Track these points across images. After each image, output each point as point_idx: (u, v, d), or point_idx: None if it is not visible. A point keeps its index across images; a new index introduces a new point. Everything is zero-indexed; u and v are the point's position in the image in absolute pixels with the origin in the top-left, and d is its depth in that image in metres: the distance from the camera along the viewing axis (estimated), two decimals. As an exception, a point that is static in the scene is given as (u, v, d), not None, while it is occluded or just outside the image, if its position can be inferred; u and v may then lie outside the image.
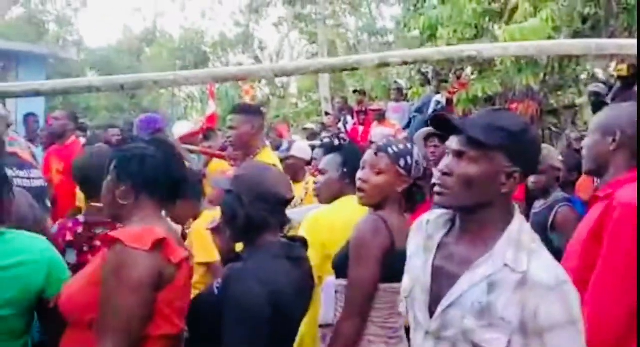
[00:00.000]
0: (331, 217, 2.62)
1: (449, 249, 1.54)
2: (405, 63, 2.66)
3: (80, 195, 3.23)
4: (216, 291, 1.87)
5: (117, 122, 10.79)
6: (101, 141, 5.15)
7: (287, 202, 2.02)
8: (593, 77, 8.31)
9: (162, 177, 1.88)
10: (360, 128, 9.20)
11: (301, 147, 4.74)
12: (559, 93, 8.28)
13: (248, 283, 1.81)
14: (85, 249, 2.42)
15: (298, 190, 4.11)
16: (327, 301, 2.30)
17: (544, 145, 4.11)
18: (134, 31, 22.26)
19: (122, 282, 1.66)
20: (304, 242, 2.07)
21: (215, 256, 2.81)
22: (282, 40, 22.77)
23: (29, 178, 3.42)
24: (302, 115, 19.10)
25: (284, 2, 18.86)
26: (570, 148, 5.02)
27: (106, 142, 4.46)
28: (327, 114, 11.52)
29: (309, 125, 10.36)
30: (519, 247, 1.44)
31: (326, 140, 6.51)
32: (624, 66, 6.25)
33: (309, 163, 4.80)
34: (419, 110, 8.82)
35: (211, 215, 2.98)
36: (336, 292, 2.25)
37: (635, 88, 5.72)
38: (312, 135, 9.20)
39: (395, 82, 9.67)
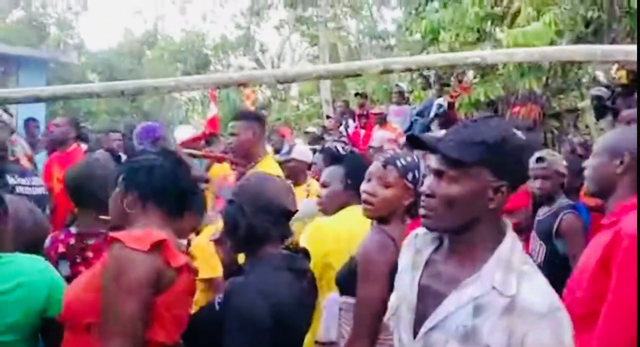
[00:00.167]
0: (335, 227, 2.58)
1: (436, 266, 1.47)
2: (409, 70, 2.63)
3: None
4: (217, 307, 1.85)
5: (118, 126, 10.78)
6: (102, 146, 5.12)
7: (290, 214, 2.00)
8: (595, 81, 8.28)
9: (170, 188, 1.88)
10: (362, 132, 9.19)
11: (302, 150, 4.72)
12: (561, 96, 8.24)
13: (249, 296, 1.79)
14: (78, 260, 2.37)
15: (299, 193, 4.09)
16: (330, 318, 2.25)
17: (548, 151, 4.09)
18: (134, 34, 22.26)
19: (120, 282, 1.66)
20: (306, 254, 2.05)
21: (217, 272, 2.77)
22: (283, 43, 22.78)
23: (30, 186, 3.41)
24: (303, 118, 19.09)
25: (285, 4, 18.84)
26: (574, 153, 4.99)
27: (107, 149, 4.43)
28: (328, 117, 11.50)
29: (311, 129, 10.32)
30: (508, 268, 1.36)
31: (329, 144, 6.50)
32: (623, 73, 6.23)
33: (309, 166, 4.78)
34: (421, 113, 8.81)
35: (213, 230, 2.95)
36: (340, 309, 2.21)
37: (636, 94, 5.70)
38: (313, 139, 9.18)
39: (397, 85, 9.64)
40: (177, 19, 34.89)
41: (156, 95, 9.50)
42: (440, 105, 8.06)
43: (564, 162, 3.94)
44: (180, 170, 1.94)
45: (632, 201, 1.98)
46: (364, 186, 2.22)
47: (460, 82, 7.56)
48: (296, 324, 1.93)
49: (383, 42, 16.57)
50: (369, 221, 2.30)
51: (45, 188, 3.70)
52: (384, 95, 11.32)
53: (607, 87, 6.91)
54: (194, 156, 5.13)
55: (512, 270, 1.35)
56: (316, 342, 2.29)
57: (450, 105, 7.66)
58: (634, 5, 6.26)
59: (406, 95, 9.64)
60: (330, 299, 2.28)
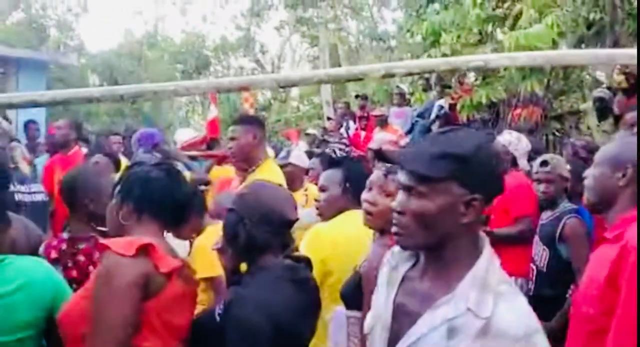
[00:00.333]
0: (333, 233, 2.55)
1: (412, 284, 1.42)
2: (411, 74, 2.61)
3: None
4: (218, 318, 1.83)
5: (118, 128, 10.76)
6: (103, 149, 5.08)
7: (291, 223, 1.97)
8: (597, 82, 8.25)
9: (165, 200, 1.88)
10: (362, 133, 9.17)
11: (300, 155, 4.70)
12: (562, 98, 8.22)
13: (249, 308, 1.78)
14: (69, 264, 2.38)
15: (297, 197, 4.06)
16: (337, 332, 2.23)
17: (552, 155, 4.06)
18: (135, 35, 22.24)
19: (107, 287, 1.66)
20: (308, 263, 2.02)
21: (217, 271, 2.76)
22: (284, 44, 22.76)
23: (29, 192, 3.39)
24: (303, 119, 19.07)
25: (286, 5, 18.82)
26: (576, 156, 4.94)
27: (106, 154, 4.39)
28: (329, 118, 11.48)
29: (312, 131, 10.29)
30: (484, 288, 1.30)
31: (329, 149, 6.49)
32: (622, 78, 6.20)
33: (307, 171, 4.77)
34: (421, 115, 8.78)
35: (214, 230, 2.93)
36: (347, 323, 2.18)
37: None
38: (314, 141, 9.16)
39: (398, 87, 9.61)
40: (177, 20, 34.83)
41: (156, 99, 9.48)
42: (441, 107, 8.03)
43: (568, 166, 3.92)
44: (176, 182, 1.94)
45: (633, 214, 1.94)
46: (364, 195, 2.20)
47: (461, 84, 7.54)
48: (298, 335, 1.90)
49: (384, 44, 16.53)
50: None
51: (46, 193, 3.69)
52: (385, 96, 11.29)
53: (608, 88, 6.88)
54: (195, 158, 5.12)
55: (488, 290, 1.30)
56: None
57: (452, 107, 7.64)
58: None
59: (407, 96, 9.61)
60: (336, 313, 2.25)
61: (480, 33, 6.99)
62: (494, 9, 6.86)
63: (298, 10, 18.59)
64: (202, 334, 1.89)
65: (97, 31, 37.32)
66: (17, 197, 3.14)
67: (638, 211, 1.92)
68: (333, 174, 2.73)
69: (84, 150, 6.09)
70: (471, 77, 7.41)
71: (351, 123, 9.55)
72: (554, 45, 6.00)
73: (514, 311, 1.27)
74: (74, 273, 2.33)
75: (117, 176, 2.10)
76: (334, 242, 2.47)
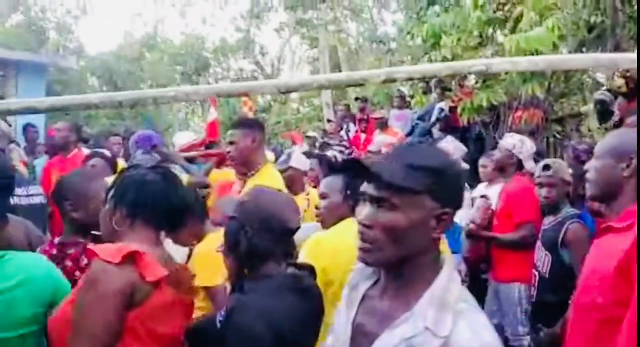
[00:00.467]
0: (333, 241, 2.50)
1: (372, 303, 1.37)
2: (412, 79, 2.59)
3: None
4: (219, 325, 1.82)
5: (118, 130, 10.72)
6: (102, 151, 5.04)
7: (293, 232, 1.95)
8: (597, 84, 8.23)
9: (160, 205, 1.84)
10: (363, 136, 9.15)
11: (300, 159, 4.68)
12: (563, 101, 8.19)
13: (250, 316, 1.76)
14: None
15: (299, 201, 4.03)
16: None
17: (554, 160, 4.03)
18: (134, 37, 22.23)
19: (92, 294, 1.63)
20: (312, 271, 1.99)
21: (217, 281, 2.74)
22: (284, 46, 22.76)
23: (27, 195, 3.36)
24: (303, 121, 19.06)
25: (286, 7, 18.81)
26: (578, 160, 4.92)
27: (103, 157, 4.36)
28: (329, 121, 11.47)
29: (312, 134, 10.28)
30: (443, 307, 1.26)
31: (330, 153, 6.47)
32: (622, 82, 6.18)
33: (306, 173, 4.74)
34: (422, 118, 8.76)
35: (215, 238, 2.90)
36: None
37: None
38: (315, 144, 9.14)
39: (398, 90, 9.59)
40: (177, 22, 34.88)
41: (155, 105, 9.44)
42: (442, 110, 8.00)
43: (570, 170, 3.90)
44: (172, 186, 1.89)
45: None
46: None
47: (462, 87, 7.50)
48: (300, 343, 1.88)
49: (384, 46, 16.52)
50: None
51: (45, 195, 3.66)
52: (385, 99, 11.28)
53: (609, 91, 6.86)
54: (194, 160, 5.08)
55: (447, 309, 1.25)
56: None
57: (453, 109, 7.61)
58: (638, 10, 6.22)
59: (407, 99, 9.59)
60: None
61: (481, 36, 6.96)
62: (494, 12, 6.82)
63: (298, 12, 18.58)
64: (203, 340, 1.88)
65: (96, 33, 37.31)
66: (15, 200, 3.10)
67: (638, 206, 1.89)
68: (334, 181, 2.68)
69: (85, 151, 6.09)
70: (472, 80, 7.38)
71: (352, 126, 9.54)
72: (555, 48, 5.97)
73: (474, 330, 1.23)
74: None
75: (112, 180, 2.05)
76: (335, 251, 2.42)
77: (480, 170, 5.35)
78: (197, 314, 2.83)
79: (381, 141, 7.59)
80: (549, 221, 3.66)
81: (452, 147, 4.98)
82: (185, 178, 4.39)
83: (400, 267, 1.32)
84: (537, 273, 3.63)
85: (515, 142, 4.32)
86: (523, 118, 6.97)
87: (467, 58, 6.53)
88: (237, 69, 22.87)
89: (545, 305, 3.57)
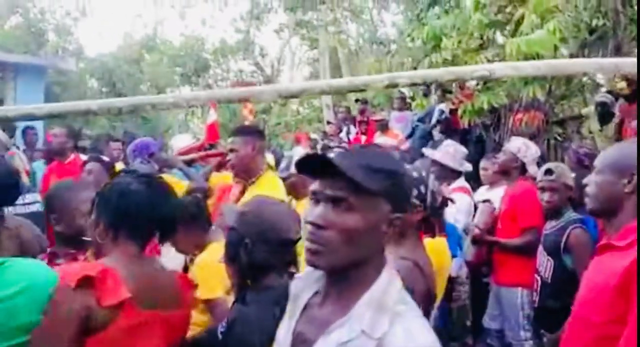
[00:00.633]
0: None
1: (313, 311, 1.32)
2: (415, 84, 2.56)
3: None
4: (220, 336, 1.80)
5: (117, 132, 10.71)
6: (100, 158, 5.01)
7: (294, 242, 1.93)
8: (597, 85, 8.21)
9: (143, 217, 1.76)
10: (363, 138, 9.13)
11: None
12: (563, 102, 8.17)
13: (251, 328, 1.76)
14: None
15: (302, 207, 4.00)
16: None
17: (557, 164, 4.01)
18: (134, 37, 22.20)
19: (47, 318, 1.58)
20: None
21: (216, 293, 2.70)
22: (283, 47, 22.74)
23: (24, 204, 3.34)
24: (303, 122, 19.04)
25: (285, 8, 18.79)
26: (579, 164, 4.89)
27: (100, 162, 4.31)
28: (328, 122, 11.44)
29: (313, 136, 10.26)
30: (380, 309, 1.22)
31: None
32: (624, 84, 6.16)
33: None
34: (422, 119, 8.74)
35: (217, 248, 2.86)
36: None
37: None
38: (315, 146, 9.11)
39: (399, 91, 9.57)
40: (176, 23, 34.86)
41: (154, 111, 9.40)
42: (442, 112, 7.99)
43: (572, 174, 3.87)
44: (156, 196, 1.80)
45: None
46: None
47: (462, 88, 7.48)
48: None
49: (384, 48, 16.50)
50: None
51: (41, 204, 3.64)
52: (385, 100, 11.25)
53: (609, 92, 6.85)
54: (193, 162, 5.05)
55: (384, 311, 1.22)
56: None
57: (453, 111, 7.59)
58: (640, 12, 6.20)
59: (408, 101, 9.57)
60: None
61: (482, 38, 6.94)
62: (495, 14, 6.81)
63: (297, 13, 18.56)
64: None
65: (96, 35, 37.30)
66: (10, 209, 3.08)
67: (638, 217, 1.88)
68: None
69: (84, 157, 6.06)
70: (472, 82, 7.36)
71: (352, 127, 9.53)
72: (556, 51, 5.96)
73: (409, 332, 1.19)
74: None
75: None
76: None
77: (481, 172, 5.32)
78: (198, 327, 2.81)
79: (383, 143, 7.61)
80: (550, 226, 3.64)
81: (453, 149, 4.95)
82: (185, 184, 4.37)
83: (345, 272, 1.27)
84: (539, 278, 3.61)
85: (520, 146, 4.30)
86: (523, 120, 6.95)
87: (468, 60, 6.53)
88: (236, 70, 22.86)
89: (548, 310, 3.55)
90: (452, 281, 4.40)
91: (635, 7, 6.32)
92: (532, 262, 3.71)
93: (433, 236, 2.22)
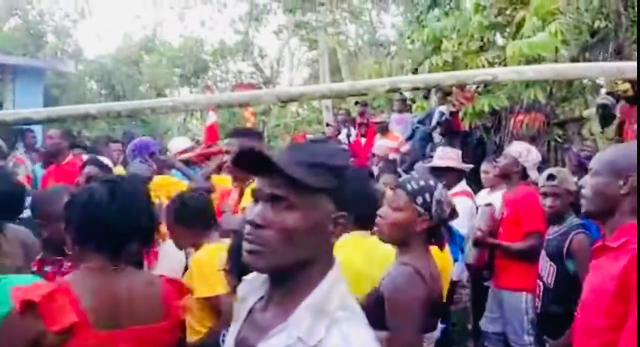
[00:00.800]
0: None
1: (256, 316, 1.28)
2: (416, 88, 2.54)
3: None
4: (222, 344, 1.77)
5: (116, 134, 10.67)
6: (99, 160, 4.97)
7: None
8: (598, 88, 8.20)
9: (108, 227, 1.67)
10: (363, 140, 9.10)
11: None
12: (564, 104, 8.16)
13: None
14: None
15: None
16: None
17: (559, 169, 3.99)
18: (133, 39, 22.17)
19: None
20: None
21: (215, 291, 2.69)
22: (282, 48, 22.72)
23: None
24: (303, 124, 19.02)
25: (284, 10, 18.77)
26: (581, 167, 4.89)
27: (98, 164, 4.27)
28: (327, 125, 11.40)
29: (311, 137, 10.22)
30: (319, 314, 1.17)
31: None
32: (628, 86, 6.15)
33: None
34: (422, 121, 8.72)
35: (211, 249, 2.84)
36: None
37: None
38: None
39: (399, 93, 9.53)
40: (175, 25, 34.86)
41: (153, 115, 9.37)
42: (442, 113, 7.96)
43: (575, 178, 3.86)
44: (122, 203, 1.70)
45: (634, 222, 1.89)
46: (379, 210, 2.20)
47: (462, 90, 7.45)
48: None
49: (384, 49, 16.49)
50: (366, 249, 2.29)
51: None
52: (385, 102, 11.21)
53: (610, 94, 6.83)
54: (192, 162, 5.03)
55: (323, 316, 1.17)
56: None
57: (454, 113, 7.57)
58: (641, 14, 6.19)
59: (408, 103, 9.54)
60: None
61: (482, 40, 6.91)
62: (496, 16, 6.79)
63: (297, 14, 18.54)
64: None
65: (95, 36, 37.28)
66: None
67: (638, 218, 1.87)
68: None
69: (84, 157, 6.03)
70: (473, 85, 7.34)
71: (352, 130, 9.50)
72: (557, 53, 5.94)
73: (346, 339, 1.15)
74: None
75: None
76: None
77: (482, 175, 5.31)
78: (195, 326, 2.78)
79: (384, 145, 7.59)
80: (553, 231, 3.62)
81: (450, 152, 4.99)
82: (186, 184, 4.36)
83: (288, 274, 1.22)
84: (541, 283, 3.58)
85: (522, 150, 4.29)
86: (524, 122, 6.93)
87: (468, 62, 6.50)
88: (235, 71, 22.83)
89: (550, 316, 3.52)
90: (453, 284, 4.39)
91: (637, 9, 6.30)
92: (536, 266, 3.69)
93: (441, 247, 2.21)
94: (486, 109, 6.48)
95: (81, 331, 1.57)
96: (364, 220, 2.50)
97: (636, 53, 6.16)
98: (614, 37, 6.58)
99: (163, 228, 2.90)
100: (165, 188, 4.18)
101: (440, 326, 2.13)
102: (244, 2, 20.66)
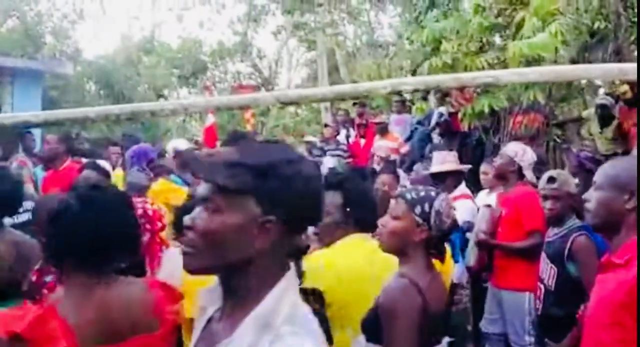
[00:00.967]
0: (333, 262, 2.37)
1: (213, 326, 1.23)
2: (418, 90, 2.53)
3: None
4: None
5: (115, 135, 10.63)
6: (97, 164, 4.94)
7: (304, 250, 1.86)
8: (597, 88, 8.20)
9: (85, 242, 1.57)
10: (362, 141, 9.09)
11: None
12: (563, 105, 8.16)
13: None
14: (37, 298, 2.23)
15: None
16: None
17: (559, 171, 3.98)
18: (131, 40, 22.15)
19: None
20: (320, 296, 1.93)
21: None
22: (281, 48, 22.72)
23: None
24: (302, 124, 19.02)
25: (283, 11, 18.77)
26: (581, 168, 4.87)
27: (96, 168, 4.24)
28: (326, 125, 11.39)
29: (311, 138, 10.21)
30: (264, 329, 1.12)
31: (325, 159, 6.41)
32: (627, 88, 6.15)
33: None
34: (421, 122, 8.71)
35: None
36: None
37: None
38: (313, 149, 9.08)
39: (399, 94, 9.51)
40: (174, 26, 34.78)
41: (153, 118, 9.33)
42: (441, 114, 7.95)
43: (576, 180, 3.84)
44: (98, 215, 1.61)
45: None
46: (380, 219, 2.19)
47: (461, 91, 7.45)
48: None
49: (382, 50, 16.49)
50: (373, 254, 2.24)
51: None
52: (384, 103, 11.20)
53: (609, 94, 6.83)
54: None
55: (268, 331, 1.12)
56: None
57: (453, 114, 7.56)
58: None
59: (407, 104, 9.53)
60: (356, 344, 2.16)
61: (482, 41, 6.90)
62: (495, 17, 6.78)
63: (295, 15, 18.53)
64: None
65: (93, 38, 37.25)
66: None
67: (638, 229, 1.86)
68: (333, 197, 2.53)
69: (83, 160, 6.00)
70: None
71: (351, 130, 9.48)
72: (557, 54, 5.94)
73: None
74: None
75: None
76: (335, 272, 2.31)
77: (482, 177, 5.30)
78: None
79: (385, 146, 7.59)
80: (553, 233, 3.60)
81: (447, 155, 5.01)
82: (185, 190, 4.34)
83: (231, 283, 1.18)
84: (542, 286, 3.57)
85: (517, 150, 4.32)
86: (523, 123, 6.93)
87: (468, 63, 6.49)
88: (234, 72, 22.82)
89: (552, 318, 3.50)
90: (453, 286, 4.38)
91: (636, 10, 6.30)
92: (538, 265, 3.68)
93: (442, 260, 2.18)
94: (486, 109, 6.47)
95: None
96: (364, 223, 2.48)
97: (636, 53, 6.17)
98: (614, 38, 6.59)
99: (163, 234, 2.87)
100: (164, 195, 4.16)
101: (446, 339, 2.08)
102: (242, 3, 20.68)
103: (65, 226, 1.58)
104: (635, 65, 2.60)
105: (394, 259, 2.16)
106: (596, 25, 6.46)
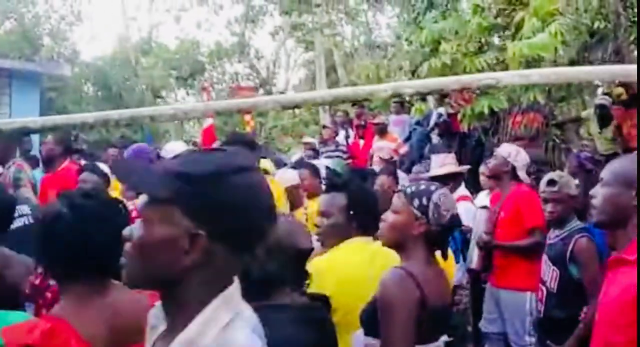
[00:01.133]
0: (338, 267, 2.36)
1: (158, 345, 1.16)
2: (420, 93, 2.51)
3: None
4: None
5: (114, 139, 10.62)
6: (96, 166, 4.89)
7: (306, 253, 1.85)
8: (596, 88, 8.20)
9: (78, 253, 1.53)
10: (361, 142, 9.07)
11: (288, 175, 4.62)
12: (562, 105, 8.16)
13: None
14: (40, 302, 2.17)
15: (298, 216, 3.96)
16: None
17: (560, 174, 3.97)
18: (129, 41, 22.11)
19: None
20: (326, 301, 1.91)
21: None
22: (279, 49, 22.70)
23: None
24: (300, 125, 19.00)
25: (280, 11, 18.75)
26: (581, 168, 4.86)
27: (95, 171, 4.19)
28: (324, 127, 11.37)
29: (310, 140, 10.18)
30: None
31: (322, 161, 6.39)
32: (622, 90, 6.16)
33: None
34: (420, 123, 8.69)
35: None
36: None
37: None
38: (312, 149, 9.05)
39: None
40: (171, 27, 34.74)
41: (152, 123, 9.29)
42: (440, 115, 7.95)
43: (576, 181, 3.83)
44: (90, 223, 1.56)
45: None
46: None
47: (460, 91, 7.43)
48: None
49: (380, 51, 16.47)
50: (375, 255, 2.25)
51: (30, 217, 3.51)
52: (383, 104, 11.18)
53: (607, 94, 6.83)
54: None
55: None
56: None
57: (452, 115, 7.55)
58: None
59: (405, 104, 9.51)
60: (356, 336, 2.15)
61: (481, 41, 6.89)
62: (495, 18, 6.77)
63: (293, 15, 18.52)
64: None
65: (91, 39, 37.17)
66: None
67: (638, 222, 1.84)
68: (336, 199, 2.53)
69: (82, 162, 5.96)
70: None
71: (350, 131, 9.47)
72: (557, 54, 5.93)
73: None
74: (44, 312, 2.03)
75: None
76: (339, 277, 2.30)
77: (481, 178, 5.30)
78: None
79: (387, 147, 7.58)
80: (554, 235, 3.58)
81: (447, 158, 5.01)
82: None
83: (166, 299, 1.12)
84: (544, 288, 3.55)
85: (511, 150, 4.35)
86: (522, 123, 6.92)
87: (467, 64, 6.48)
88: (232, 73, 22.79)
89: (554, 320, 3.49)
90: (453, 287, 4.38)
91: (636, 10, 6.30)
92: (539, 264, 3.67)
93: (445, 256, 2.16)
94: (485, 110, 6.46)
95: None
96: (365, 226, 2.47)
97: (635, 53, 6.17)
98: (613, 38, 6.59)
99: None
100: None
101: (444, 338, 2.05)
102: (240, 4, 20.66)
103: (57, 236, 1.55)
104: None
105: (396, 262, 2.14)
106: (596, 25, 6.47)
